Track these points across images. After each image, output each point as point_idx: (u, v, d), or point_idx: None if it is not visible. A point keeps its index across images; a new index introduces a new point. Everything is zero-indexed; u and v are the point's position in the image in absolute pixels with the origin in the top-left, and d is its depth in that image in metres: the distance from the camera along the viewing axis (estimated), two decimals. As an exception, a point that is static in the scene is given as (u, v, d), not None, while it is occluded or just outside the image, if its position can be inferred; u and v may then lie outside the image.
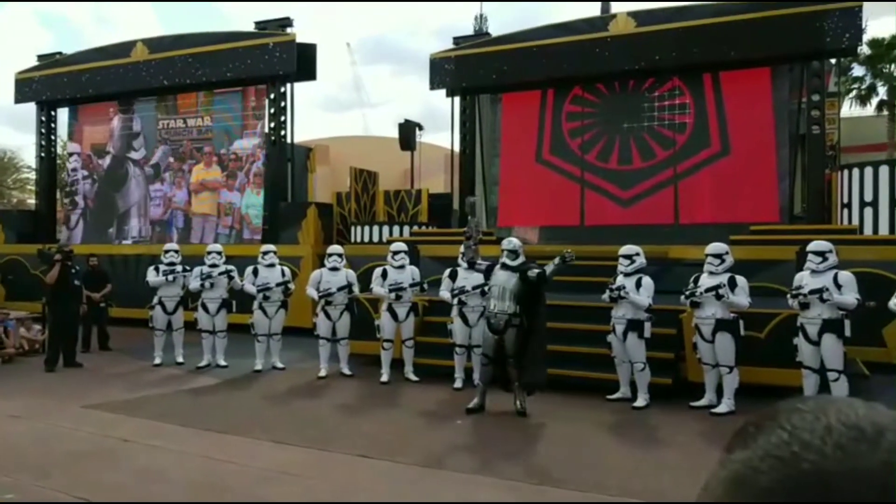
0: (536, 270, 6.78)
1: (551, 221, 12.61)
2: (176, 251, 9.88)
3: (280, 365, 9.26)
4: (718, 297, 6.97)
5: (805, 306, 6.73)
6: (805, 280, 6.83)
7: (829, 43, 10.69)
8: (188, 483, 5.01)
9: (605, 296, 7.42)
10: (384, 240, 12.09)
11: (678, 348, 7.83)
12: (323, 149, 17.14)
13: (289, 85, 13.94)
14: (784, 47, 10.99)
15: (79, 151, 16.32)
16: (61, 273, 9.51)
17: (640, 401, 7.20)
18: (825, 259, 6.80)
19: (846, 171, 10.86)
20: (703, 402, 7.17)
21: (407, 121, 14.93)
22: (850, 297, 6.52)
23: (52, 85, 16.22)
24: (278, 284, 9.23)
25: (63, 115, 17.05)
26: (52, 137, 17.23)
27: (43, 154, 17.06)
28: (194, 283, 9.43)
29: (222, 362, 9.38)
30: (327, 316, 8.81)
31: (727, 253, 7.26)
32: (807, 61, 11.30)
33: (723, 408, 6.97)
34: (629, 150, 12.40)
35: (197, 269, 9.47)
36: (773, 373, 7.24)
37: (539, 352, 6.94)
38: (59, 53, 16.65)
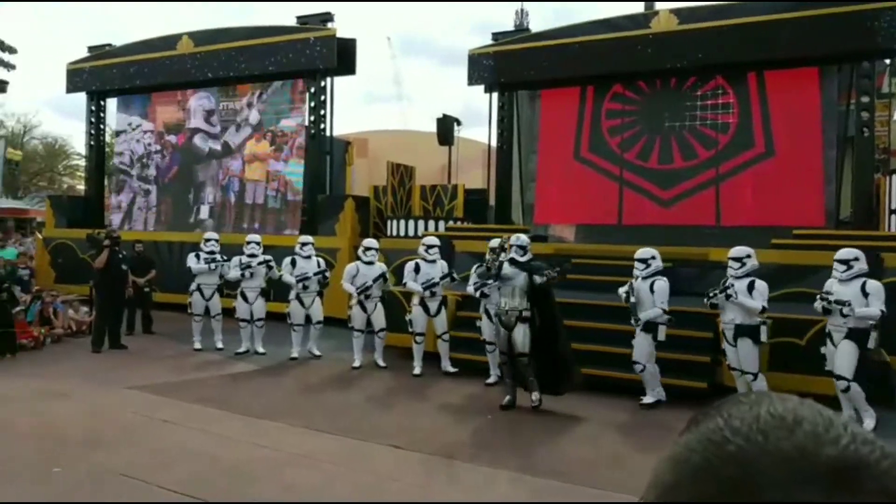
0: (540, 280, 6.83)
1: (588, 220, 12.53)
2: (216, 240, 10.11)
3: (317, 352, 9.44)
4: (727, 297, 6.87)
5: (828, 312, 6.60)
6: (834, 287, 6.67)
7: (881, 42, 10.39)
8: (221, 464, 5.16)
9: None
10: (419, 234, 12.16)
11: (715, 352, 7.75)
12: (362, 142, 17.30)
13: (329, 79, 14.11)
14: (833, 46, 10.71)
15: (152, 129, 16.58)
16: (109, 258, 9.87)
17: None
18: (850, 267, 6.59)
19: (896, 176, 10.58)
20: None
21: (445, 115, 14.97)
22: (875, 308, 6.30)
23: (102, 76, 16.67)
24: (315, 274, 9.40)
25: (112, 104, 17.52)
26: (101, 126, 17.71)
27: (92, 142, 17.57)
28: (234, 273, 9.65)
29: (260, 349, 9.59)
30: (363, 308, 8.94)
31: (748, 256, 7.06)
32: (857, 61, 11.01)
33: None
34: (670, 150, 12.25)
35: (236, 259, 9.69)
36: (813, 381, 7.12)
37: (568, 352, 6.95)
38: (109, 45, 17.10)
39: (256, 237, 10.02)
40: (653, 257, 7.38)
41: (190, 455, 5.36)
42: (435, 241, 8.93)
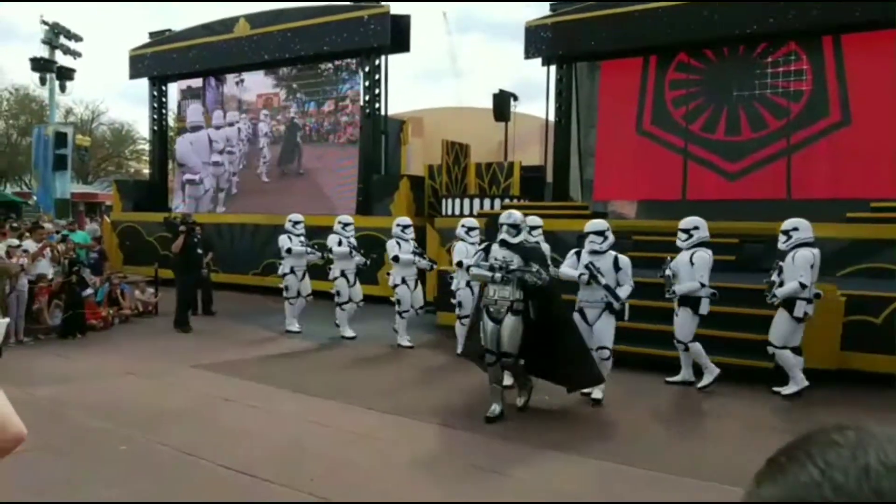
0: (532, 282, 5.71)
1: (650, 195, 12.12)
2: (301, 221, 9.97)
3: (350, 334, 9.32)
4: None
5: None
6: None
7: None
8: (277, 441, 5.18)
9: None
10: (475, 213, 12.00)
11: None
12: (416, 121, 17.15)
13: (383, 57, 14.00)
14: (918, 5, 9.96)
15: (221, 113, 16.77)
16: (185, 242, 10.15)
17: (790, 387, 6.62)
18: None
19: None
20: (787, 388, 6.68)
21: (501, 91, 14.66)
22: None
23: (162, 61, 17.02)
24: (414, 253, 9.08)
25: (173, 89, 17.88)
26: (164, 111, 18.11)
27: (155, 127, 17.99)
28: (315, 255, 9.74)
29: (349, 333, 9.34)
30: (407, 286, 8.90)
31: (696, 228, 6.89)
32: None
33: (788, 388, 6.59)
34: (738, 120, 11.69)
35: (334, 238, 9.41)
36: (887, 360, 6.71)
37: (582, 347, 6.08)
38: (169, 30, 17.41)
39: (348, 218, 9.77)
40: (696, 227, 6.93)
41: (250, 433, 5.40)
42: (475, 222, 8.50)
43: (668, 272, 6.84)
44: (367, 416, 5.86)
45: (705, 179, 11.83)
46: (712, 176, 11.83)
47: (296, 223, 9.91)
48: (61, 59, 20.88)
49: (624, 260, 6.43)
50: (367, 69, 14.10)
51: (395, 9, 13.60)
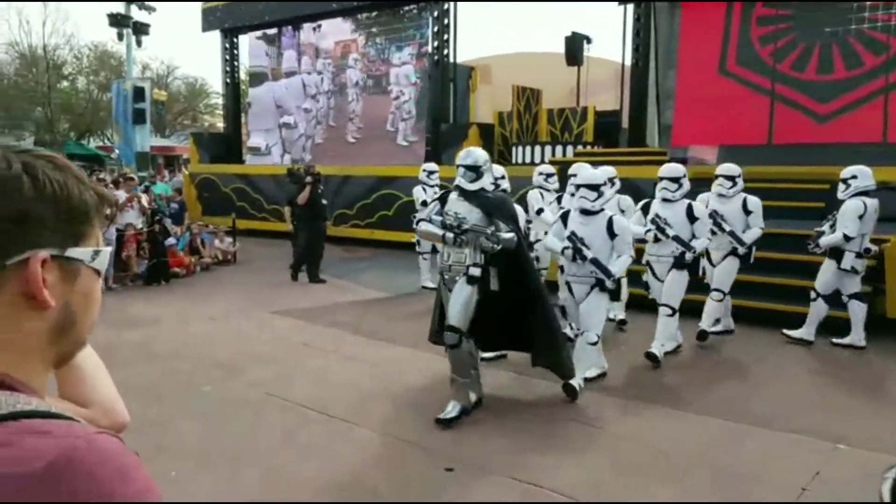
0: (489, 245, 4.51)
1: (733, 140, 11.51)
2: (436, 171, 9.27)
3: (431, 284, 9.03)
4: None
5: None
6: None
7: None
8: (352, 384, 5.26)
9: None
10: (546, 160, 11.72)
11: (876, 281, 6.97)
12: (485, 68, 16.78)
13: (452, 2, 13.66)
14: None
15: (295, 63, 16.78)
16: (312, 193, 9.81)
17: (797, 332, 6.63)
18: None
19: None
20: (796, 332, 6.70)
21: (574, 34, 14.13)
22: None
23: (234, 13, 17.14)
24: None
25: (244, 41, 18.03)
26: (236, 64, 18.33)
27: (228, 80, 18.26)
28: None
29: (430, 284, 8.98)
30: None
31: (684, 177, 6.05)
32: None
33: (796, 332, 6.68)
34: (830, 58, 10.90)
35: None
36: None
37: (550, 330, 4.87)
38: (239, -19, 17.46)
39: (433, 166, 9.40)
40: (854, 176, 6.30)
41: (327, 376, 5.52)
42: (552, 168, 7.92)
43: (669, 232, 5.88)
44: (439, 363, 5.88)
45: (793, 122, 11.15)
46: (801, 118, 11.13)
47: (431, 173, 9.16)
48: (137, 15, 21.36)
49: (700, 208, 5.97)
50: (435, 14, 13.81)
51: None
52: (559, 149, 12.35)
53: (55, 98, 31.04)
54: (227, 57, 18.06)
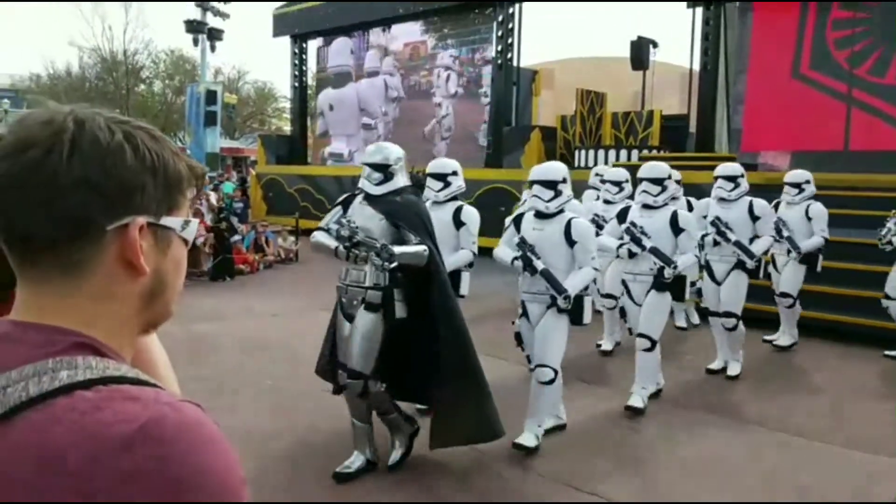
0: (380, 262, 3.55)
1: (807, 146, 11.10)
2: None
3: None
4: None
5: None
6: None
7: None
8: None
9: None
10: (610, 164, 11.56)
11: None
12: (548, 72, 16.69)
13: (517, 5, 13.65)
14: None
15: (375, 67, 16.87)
16: None
17: None
18: None
19: None
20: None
21: (640, 38, 13.90)
22: None
23: (304, 19, 17.58)
24: None
25: (312, 46, 18.46)
26: (304, 68, 18.78)
27: (296, 84, 18.71)
28: None
29: None
30: None
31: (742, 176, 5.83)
32: None
33: None
34: (912, 62, 10.40)
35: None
36: None
37: (469, 376, 3.72)
38: (310, -12, 17.91)
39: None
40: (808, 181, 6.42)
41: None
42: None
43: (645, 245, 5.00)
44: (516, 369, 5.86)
45: (872, 128, 10.69)
46: (880, 124, 10.66)
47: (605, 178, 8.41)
48: (211, 21, 22.15)
49: (762, 205, 5.56)
50: (500, 18, 13.82)
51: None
52: (623, 153, 12.17)
53: (132, 101, 32.44)
54: (296, 62, 18.53)
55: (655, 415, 4.83)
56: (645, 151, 11.91)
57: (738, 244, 5.52)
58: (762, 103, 11.71)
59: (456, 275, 4.63)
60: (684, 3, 12.34)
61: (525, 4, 13.82)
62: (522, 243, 4.19)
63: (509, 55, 13.83)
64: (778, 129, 11.48)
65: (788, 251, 6.29)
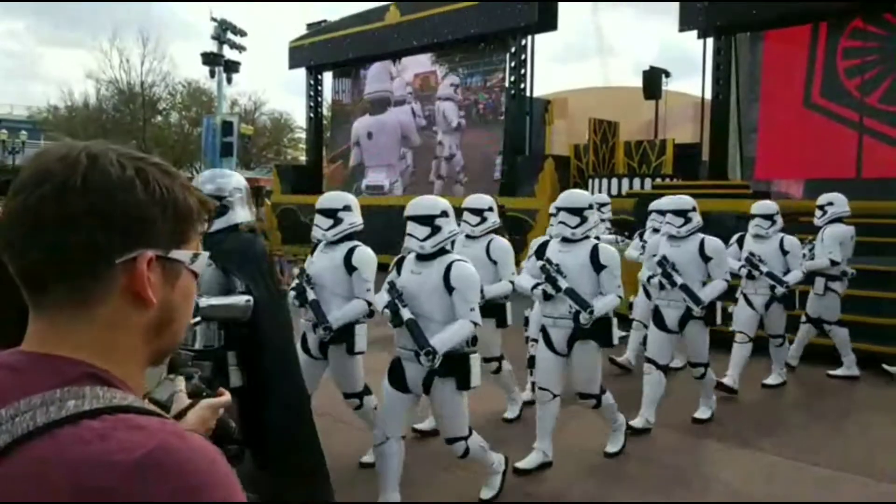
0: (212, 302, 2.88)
1: (820, 174, 11.17)
2: (608, 203, 8.02)
3: None
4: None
5: None
6: None
7: None
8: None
9: None
10: (623, 193, 11.66)
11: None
12: (561, 101, 16.91)
13: (529, 37, 13.90)
14: None
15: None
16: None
17: None
18: None
19: None
20: None
21: (652, 67, 14.11)
22: None
23: (319, 51, 17.93)
24: None
25: (328, 78, 18.78)
26: (319, 99, 19.10)
27: (311, 115, 19.02)
28: None
29: None
30: None
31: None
32: None
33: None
34: (923, 91, 10.50)
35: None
36: None
37: (287, 442, 2.97)
38: (325, 21, 18.30)
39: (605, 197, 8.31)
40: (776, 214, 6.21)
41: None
42: (606, 197, 7.59)
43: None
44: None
45: (884, 155, 10.76)
46: (892, 152, 10.74)
47: (602, 206, 7.86)
48: (228, 54, 22.57)
49: (714, 244, 5.03)
50: (513, 49, 14.07)
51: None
52: (637, 181, 12.27)
53: (149, 132, 32.96)
54: (312, 93, 18.86)
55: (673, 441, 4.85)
56: (658, 180, 12.02)
57: (683, 288, 4.93)
58: (774, 132, 11.82)
59: (500, 307, 4.79)
60: (695, 33, 12.52)
61: (538, 35, 14.07)
62: (549, 263, 4.19)
63: (522, 85, 14.04)
64: (790, 157, 11.58)
65: (773, 287, 5.89)
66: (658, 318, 5.14)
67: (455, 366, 3.43)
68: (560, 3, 13.68)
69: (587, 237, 4.25)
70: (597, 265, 4.13)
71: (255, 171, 34.16)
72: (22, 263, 0.72)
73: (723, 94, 12.37)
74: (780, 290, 5.77)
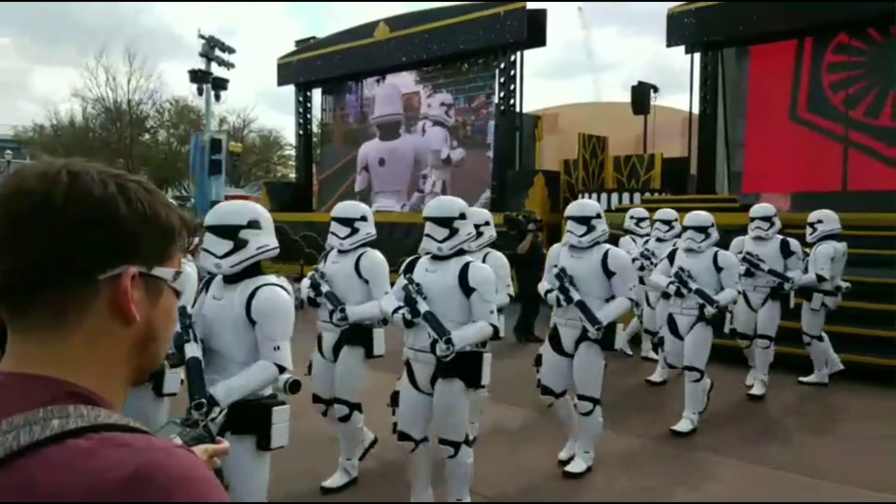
0: None
1: (806, 187, 11.30)
2: (646, 218, 7.92)
3: None
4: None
5: None
6: None
7: None
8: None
9: None
10: (612, 207, 11.71)
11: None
12: (552, 117, 17.03)
13: (518, 53, 14.00)
14: None
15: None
16: (532, 242, 9.03)
17: None
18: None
19: None
20: None
21: (641, 83, 14.24)
22: None
23: (307, 68, 17.95)
24: None
25: (317, 95, 18.80)
26: (308, 116, 19.10)
27: (301, 131, 19.02)
28: None
29: None
30: None
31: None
32: None
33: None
34: (906, 104, 10.66)
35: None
36: None
37: None
38: (313, 38, 18.35)
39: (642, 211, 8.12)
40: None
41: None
42: (645, 212, 7.87)
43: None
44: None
45: (868, 168, 10.91)
46: (876, 164, 10.89)
47: (640, 220, 7.90)
48: (216, 71, 22.57)
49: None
50: (502, 65, 14.16)
51: (532, 3, 13.57)
52: (626, 196, 12.34)
53: (136, 150, 32.84)
54: (301, 109, 18.86)
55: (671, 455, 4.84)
56: (647, 194, 12.09)
57: (773, 272, 5.92)
58: (761, 146, 11.95)
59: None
60: (683, 49, 12.66)
61: (527, 53, 14.18)
62: (562, 273, 4.35)
63: (512, 101, 14.12)
64: (777, 170, 11.70)
65: (773, 289, 6.25)
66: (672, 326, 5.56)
67: (466, 363, 3.38)
68: (549, 20, 13.80)
69: (597, 244, 4.39)
70: (607, 270, 4.28)
71: (246, 189, 34.10)
72: (1, 283, 0.71)
73: (710, 109, 12.50)
74: (709, 310, 5.15)
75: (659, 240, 7.07)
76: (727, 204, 10.45)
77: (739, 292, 5.45)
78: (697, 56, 12.56)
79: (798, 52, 11.71)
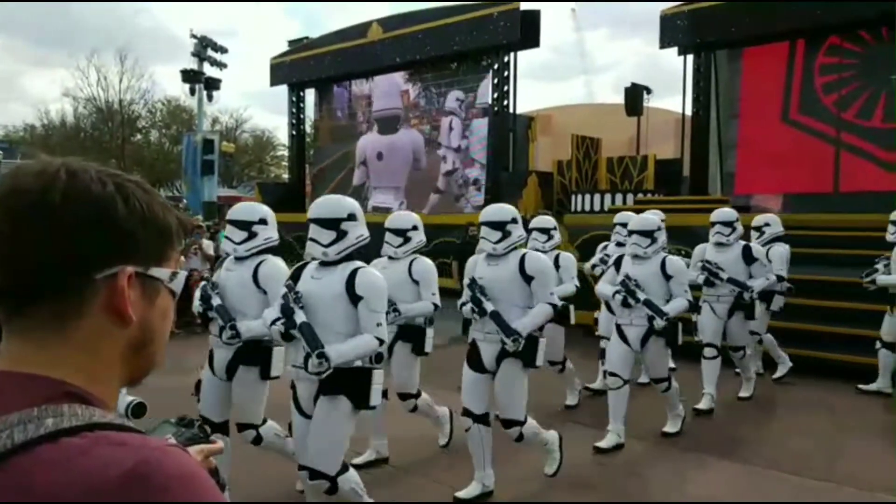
0: None
1: (798, 188, 11.34)
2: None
3: None
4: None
5: None
6: None
7: None
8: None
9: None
10: (606, 208, 11.71)
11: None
12: (545, 118, 17.04)
13: (512, 54, 13.99)
14: None
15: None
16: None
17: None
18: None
19: None
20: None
21: (634, 84, 14.26)
22: None
23: (301, 68, 17.89)
24: None
25: (310, 95, 18.75)
26: (301, 116, 19.04)
27: (293, 132, 18.96)
28: None
29: None
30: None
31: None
32: None
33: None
34: (896, 106, 10.70)
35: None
36: None
37: None
38: (306, 38, 18.30)
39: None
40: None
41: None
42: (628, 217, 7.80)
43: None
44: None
45: (860, 170, 10.95)
46: (868, 166, 10.93)
47: (625, 226, 7.50)
48: (209, 71, 22.51)
49: (758, 249, 6.20)
50: (495, 66, 14.14)
51: (526, 4, 13.55)
52: (619, 197, 12.35)
53: (128, 150, 32.69)
54: (294, 110, 18.81)
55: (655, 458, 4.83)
56: (640, 195, 12.09)
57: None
58: (754, 147, 11.98)
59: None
60: (675, 50, 12.68)
61: (521, 52, 14.16)
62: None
63: (505, 102, 14.11)
64: (769, 172, 11.73)
65: (736, 298, 6.00)
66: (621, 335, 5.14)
67: (353, 380, 3.24)
68: (542, 21, 13.79)
69: (514, 249, 4.11)
70: (525, 276, 3.98)
71: (238, 189, 34.01)
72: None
73: (702, 111, 12.53)
74: (658, 322, 4.88)
75: (619, 244, 6.48)
76: (720, 205, 10.41)
77: (690, 301, 5.04)
78: (690, 58, 12.59)
79: (790, 54, 11.74)
